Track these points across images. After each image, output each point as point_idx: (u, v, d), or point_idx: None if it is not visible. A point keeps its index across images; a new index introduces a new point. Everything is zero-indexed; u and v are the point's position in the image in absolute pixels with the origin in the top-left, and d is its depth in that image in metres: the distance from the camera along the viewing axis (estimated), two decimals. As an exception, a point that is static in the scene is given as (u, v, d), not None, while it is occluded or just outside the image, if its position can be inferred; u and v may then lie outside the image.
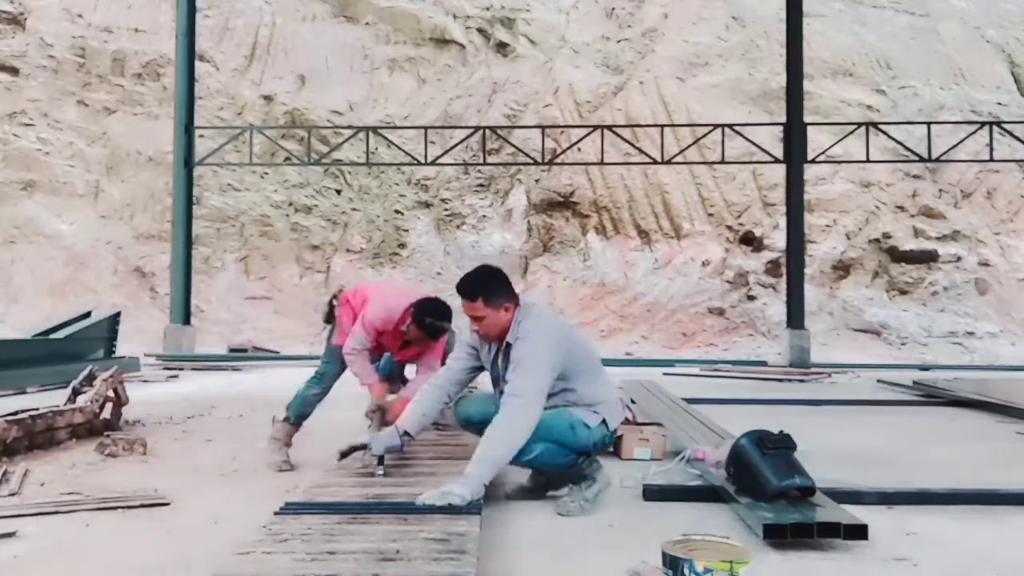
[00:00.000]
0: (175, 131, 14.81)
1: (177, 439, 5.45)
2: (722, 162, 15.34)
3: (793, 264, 13.95)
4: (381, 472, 3.55)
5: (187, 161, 14.66)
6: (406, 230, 19.93)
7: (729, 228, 19.43)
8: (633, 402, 6.71)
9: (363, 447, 3.61)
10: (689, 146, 15.41)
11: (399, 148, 15.89)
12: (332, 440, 5.09)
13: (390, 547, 2.46)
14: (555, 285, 18.82)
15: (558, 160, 17.65)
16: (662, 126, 16.17)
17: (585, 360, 3.61)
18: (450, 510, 2.94)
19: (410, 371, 9.09)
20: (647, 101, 20.56)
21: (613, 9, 22.74)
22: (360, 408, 4.65)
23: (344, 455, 3.66)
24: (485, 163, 17.72)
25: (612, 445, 4.08)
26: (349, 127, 17.16)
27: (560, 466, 3.54)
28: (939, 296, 18.15)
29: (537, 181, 20.15)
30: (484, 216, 20.07)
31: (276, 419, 4.60)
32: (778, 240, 17.38)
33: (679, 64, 21.38)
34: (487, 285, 3.51)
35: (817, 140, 14.87)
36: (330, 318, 4.70)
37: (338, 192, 20.24)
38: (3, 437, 4.47)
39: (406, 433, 3.58)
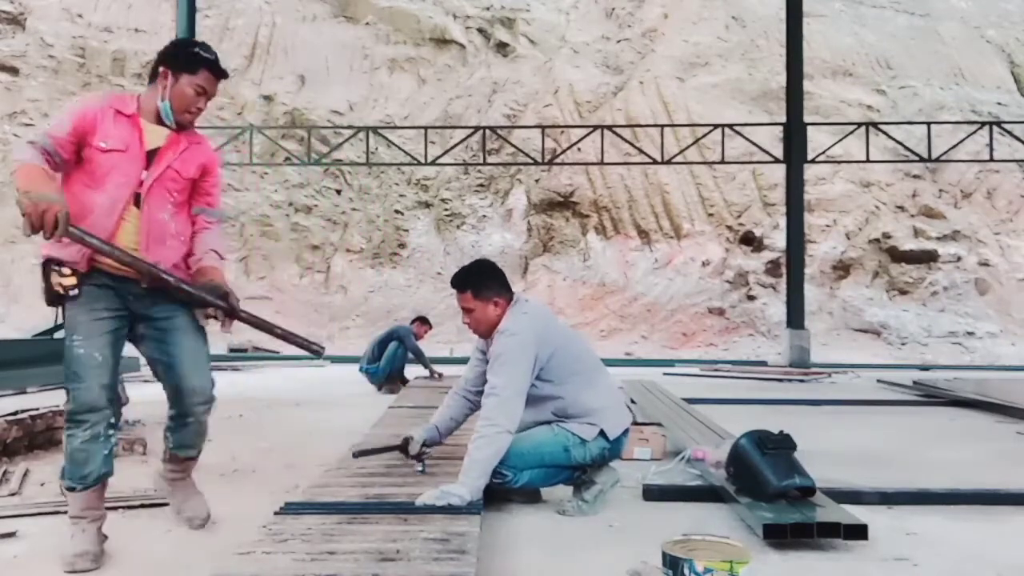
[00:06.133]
0: (175, 131, 14.79)
1: (177, 439, 5.43)
2: (722, 162, 15.33)
3: (793, 264, 13.94)
4: (420, 469, 3.62)
5: (187, 161, 14.65)
6: (406, 230, 19.93)
7: (729, 228, 19.44)
8: (633, 402, 6.71)
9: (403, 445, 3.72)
10: (689, 146, 15.40)
11: (399, 148, 15.89)
12: (331, 439, 5.11)
13: (390, 547, 2.46)
14: (555, 285, 18.82)
15: (558, 160, 17.64)
16: (662, 126, 16.16)
17: (575, 363, 3.48)
18: (450, 510, 2.94)
19: (410, 372, 9.12)
20: (647, 101, 20.56)
21: (613, 9, 22.74)
22: (356, 407, 4.67)
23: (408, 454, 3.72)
24: (485, 163, 17.71)
25: (617, 455, 3.57)
26: (349, 127, 17.16)
27: (555, 484, 3.56)
28: (939, 296, 18.15)
29: (537, 181, 20.15)
30: (484, 216, 20.07)
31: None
32: (778, 240, 17.38)
33: (679, 64, 21.39)
34: (478, 278, 3.50)
35: (817, 140, 14.86)
36: None
37: (338, 192, 20.25)
38: (3, 437, 4.48)
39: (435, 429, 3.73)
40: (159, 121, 2.93)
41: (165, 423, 3.07)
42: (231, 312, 2.90)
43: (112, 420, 2.88)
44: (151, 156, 2.89)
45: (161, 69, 2.93)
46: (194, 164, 3.00)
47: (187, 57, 2.96)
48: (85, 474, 2.81)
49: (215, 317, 2.94)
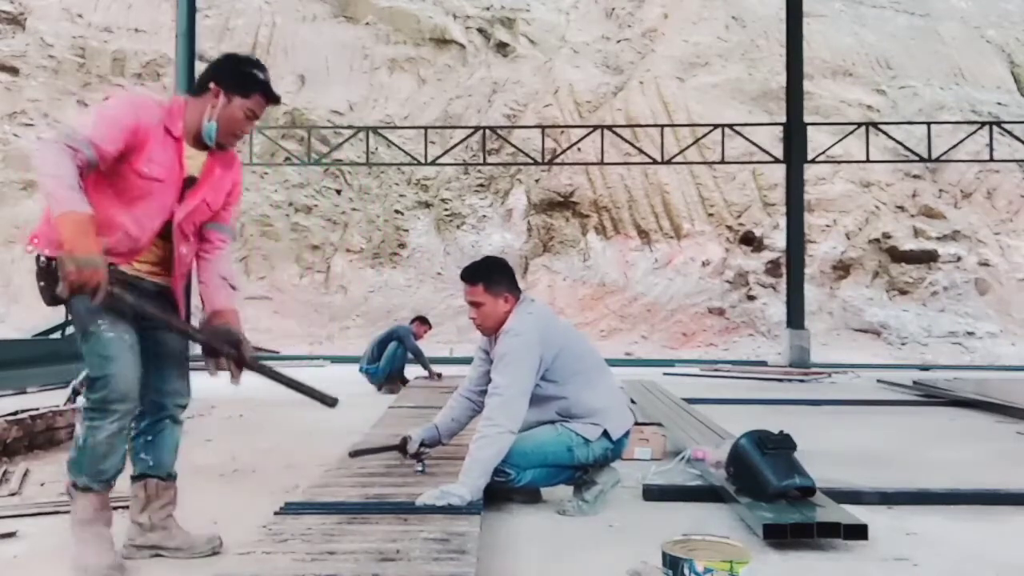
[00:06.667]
0: (175, 131, 14.78)
1: (177, 439, 5.43)
2: (722, 162, 15.33)
3: (793, 264, 13.94)
4: (420, 469, 3.60)
5: (187, 161, 14.64)
6: (406, 230, 19.93)
7: (729, 228, 19.44)
8: (633, 402, 6.71)
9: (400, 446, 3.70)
10: (689, 146, 15.41)
11: (399, 148, 15.89)
12: (331, 439, 5.10)
13: (390, 547, 2.46)
14: (555, 285, 18.82)
15: (558, 160, 17.65)
16: (662, 126, 16.16)
17: (579, 363, 3.49)
18: (450, 510, 2.94)
19: (410, 372, 9.11)
20: (647, 101, 20.57)
21: (613, 9, 22.75)
22: (356, 407, 4.65)
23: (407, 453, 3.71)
24: (485, 163, 17.72)
25: (619, 455, 3.58)
26: (349, 127, 17.16)
27: (557, 483, 3.57)
28: (939, 296, 18.15)
29: (537, 181, 20.15)
30: (484, 216, 20.08)
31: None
32: (778, 240, 17.38)
33: (679, 64, 21.39)
34: (490, 272, 3.50)
35: (817, 140, 14.87)
36: None
37: (338, 192, 20.24)
38: (3, 437, 4.48)
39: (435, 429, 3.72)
40: (197, 140, 2.70)
41: (132, 451, 2.84)
42: (240, 361, 2.73)
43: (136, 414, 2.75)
44: (186, 183, 2.70)
45: (212, 86, 2.68)
46: (223, 192, 2.84)
47: (243, 77, 2.71)
48: (104, 468, 2.59)
49: (223, 367, 2.76)
